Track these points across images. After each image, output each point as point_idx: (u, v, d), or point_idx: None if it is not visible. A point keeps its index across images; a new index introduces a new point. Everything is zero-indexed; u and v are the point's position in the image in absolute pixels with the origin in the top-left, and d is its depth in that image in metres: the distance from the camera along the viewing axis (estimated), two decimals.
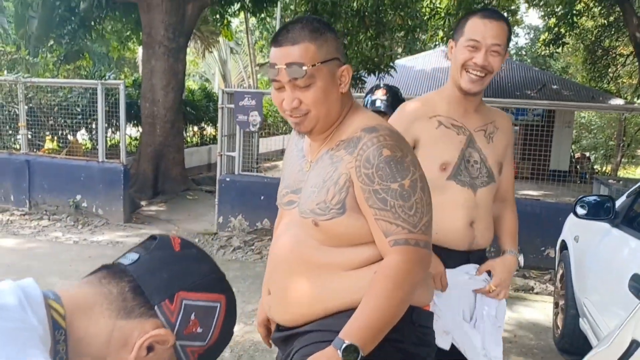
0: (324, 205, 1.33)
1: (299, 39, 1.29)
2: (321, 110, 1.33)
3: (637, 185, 3.08)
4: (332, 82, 1.33)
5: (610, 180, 8.32)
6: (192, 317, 0.86)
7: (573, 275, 3.30)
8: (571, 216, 3.49)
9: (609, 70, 16.99)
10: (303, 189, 1.41)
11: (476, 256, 1.95)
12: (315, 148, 1.43)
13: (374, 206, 1.28)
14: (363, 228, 1.31)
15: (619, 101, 16.26)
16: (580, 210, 2.84)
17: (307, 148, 1.47)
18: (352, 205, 1.31)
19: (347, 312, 1.29)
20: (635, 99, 19.33)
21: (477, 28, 1.79)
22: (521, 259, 1.96)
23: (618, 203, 3.00)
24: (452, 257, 1.89)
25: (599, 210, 2.82)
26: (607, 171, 16.70)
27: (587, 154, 19.07)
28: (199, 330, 0.87)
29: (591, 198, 2.91)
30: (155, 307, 0.83)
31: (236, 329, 4.02)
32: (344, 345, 1.20)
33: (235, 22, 15.16)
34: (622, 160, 16.26)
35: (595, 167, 17.77)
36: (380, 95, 3.18)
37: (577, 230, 3.47)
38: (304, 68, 1.28)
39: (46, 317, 0.76)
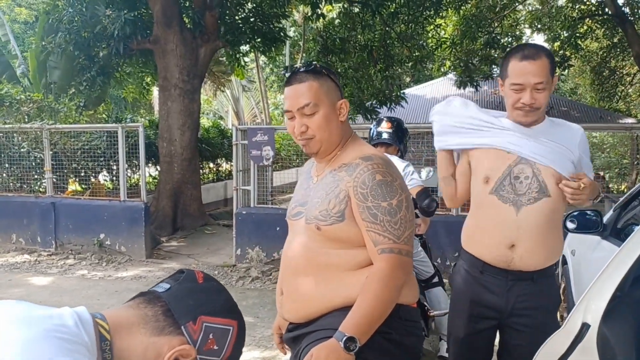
0: (326, 212, 1.60)
1: (305, 79, 1.62)
2: (324, 134, 1.62)
3: (621, 200, 3.26)
4: (332, 112, 1.63)
5: (621, 198, 8.36)
6: (211, 336, 1.05)
7: (572, 287, 3.44)
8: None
9: (617, 89, 17.05)
10: (309, 202, 1.68)
11: (515, 276, 1.95)
12: (321, 168, 1.72)
13: (366, 220, 1.54)
14: (358, 234, 1.58)
15: (629, 119, 16.34)
16: (570, 225, 3.01)
17: (314, 170, 1.77)
18: (350, 215, 1.57)
19: (344, 311, 1.53)
20: None
21: (519, 71, 1.89)
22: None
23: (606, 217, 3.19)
24: (489, 271, 1.98)
25: (588, 224, 2.98)
26: (623, 189, 16.59)
27: (602, 173, 18.98)
28: (216, 347, 1.06)
29: (580, 213, 3.08)
30: (182, 327, 1.04)
31: (257, 352, 4.22)
32: (344, 337, 1.45)
33: (246, 60, 15.66)
34: (638, 177, 16.16)
35: (610, 185, 17.67)
36: (385, 128, 3.42)
37: (573, 245, 3.63)
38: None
39: (94, 334, 0.98)
